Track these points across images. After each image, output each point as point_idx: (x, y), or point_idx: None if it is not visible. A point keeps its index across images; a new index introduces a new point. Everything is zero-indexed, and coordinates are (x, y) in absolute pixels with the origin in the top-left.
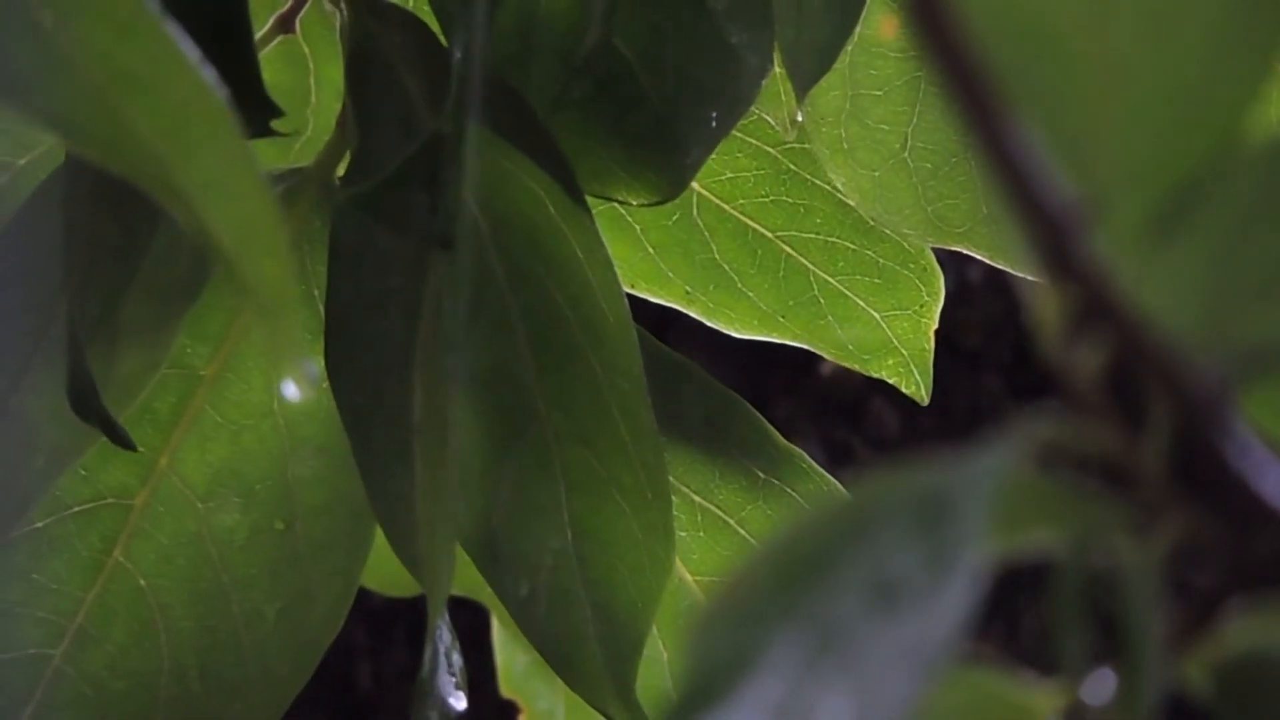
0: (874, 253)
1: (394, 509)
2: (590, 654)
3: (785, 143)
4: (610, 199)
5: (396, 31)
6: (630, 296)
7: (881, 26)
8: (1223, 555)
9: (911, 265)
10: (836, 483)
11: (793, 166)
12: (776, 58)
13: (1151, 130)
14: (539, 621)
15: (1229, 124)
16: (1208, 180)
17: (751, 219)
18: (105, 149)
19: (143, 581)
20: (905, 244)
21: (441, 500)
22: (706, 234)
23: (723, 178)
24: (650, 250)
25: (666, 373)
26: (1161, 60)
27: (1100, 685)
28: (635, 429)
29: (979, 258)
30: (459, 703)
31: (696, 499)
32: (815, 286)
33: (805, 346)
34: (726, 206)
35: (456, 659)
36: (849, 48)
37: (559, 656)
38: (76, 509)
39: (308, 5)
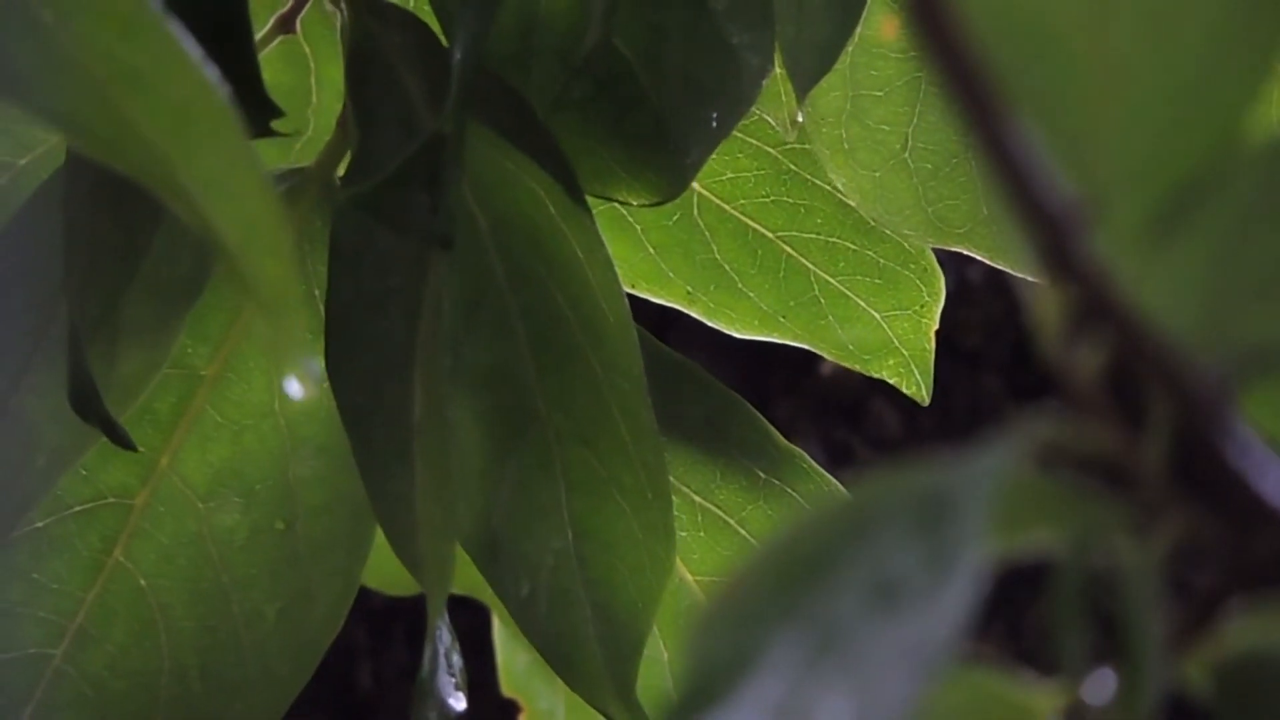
0: (874, 253)
1: (394, 509)
2: (590, 654)
3: (786, 143)
4: (611, 199)
5: (397, 31)
6: (631, 296)
7: (882, 27)
8: (1223, 555)
9: (912, 266)
10: (837, 483)
11: (793, 167)
12: (777, 58)
13: (1151, 130)
14: (539, 621)
15: (1229, 124)
16: (1208, 180)
17: (752, 219)
18: (107, 147)
19: (143, 581)
20: (906, 244)
21: (441, 500)
22: (707, 234)
23: (723, 178)
24: (651, 250)
25: (667, 373)
26: (1161, 60)
27: (1100, 685)
28: (636, 429)
29: (979, 258)
30: (459, 703)
31: (697, 499)
32: (816, 287)
33: (806, 346)
34: (727, 207)
35: (456, 659)
36: (849, 48)
37: (559, 656)
38: (77, 509)
39: (308, 5)
